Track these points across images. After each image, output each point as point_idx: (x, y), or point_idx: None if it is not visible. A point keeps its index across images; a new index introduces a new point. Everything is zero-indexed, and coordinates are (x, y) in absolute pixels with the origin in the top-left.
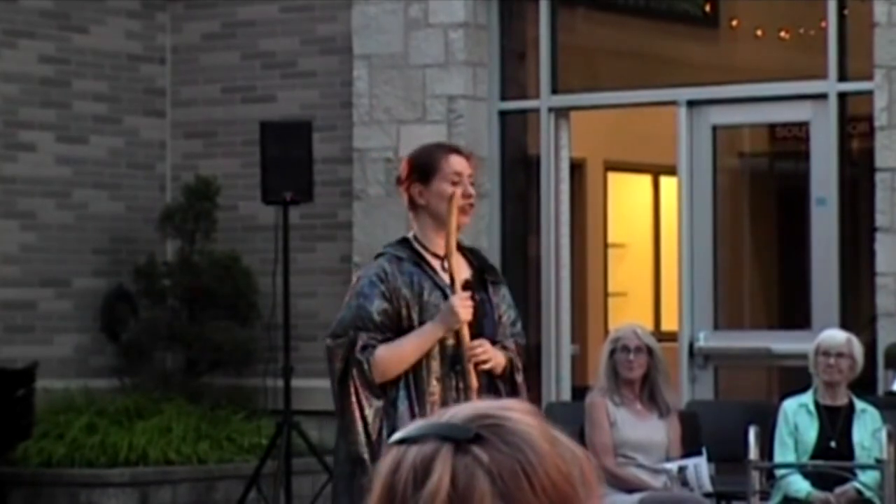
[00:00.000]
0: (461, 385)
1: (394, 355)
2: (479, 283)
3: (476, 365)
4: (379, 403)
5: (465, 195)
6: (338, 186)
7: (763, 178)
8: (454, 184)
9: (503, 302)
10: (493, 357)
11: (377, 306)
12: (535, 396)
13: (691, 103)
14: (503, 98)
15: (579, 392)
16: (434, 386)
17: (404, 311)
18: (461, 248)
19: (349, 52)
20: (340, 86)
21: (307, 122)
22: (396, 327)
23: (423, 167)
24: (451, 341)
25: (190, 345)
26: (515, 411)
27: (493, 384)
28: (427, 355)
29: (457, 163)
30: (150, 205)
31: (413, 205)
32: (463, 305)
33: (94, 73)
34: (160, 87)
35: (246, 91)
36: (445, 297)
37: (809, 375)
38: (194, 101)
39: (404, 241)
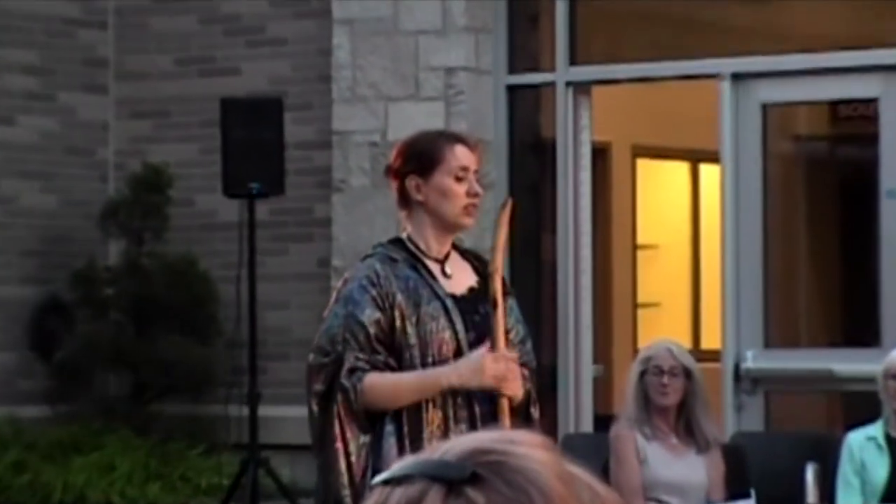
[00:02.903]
0: (467, 414)
1: (386, 390)
2: (485, 293)
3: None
4: (366, 439)
5: (471, 193)
6: (314, 176)
7: (822, 165)
8: (458, 180)
9: (510, 315)
10: (517, 389)
11: (369, 315)
12: (549, 427)
13: (737, 77)
14: (511, 71)
15: (603, 422)
16: (433, 414)
17: (398, 323)
18: (463, 251)
19: (328, 16)
20: (317, 55)
21: (277, 100)
22: (390, 341)
23: (424, 157)
24: (449, 362)
25: (137, 365)
26: (523, 445)
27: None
28: None
29: (463, 155)
30: (89, 198)
31: (405, 200)
32: (494, 368)
33: (22, 39)
34: (101, 56)
35: (204, 62)
36: (445, 308)
37: (878, 402)
38: (142, 73)
39: (398, 242)
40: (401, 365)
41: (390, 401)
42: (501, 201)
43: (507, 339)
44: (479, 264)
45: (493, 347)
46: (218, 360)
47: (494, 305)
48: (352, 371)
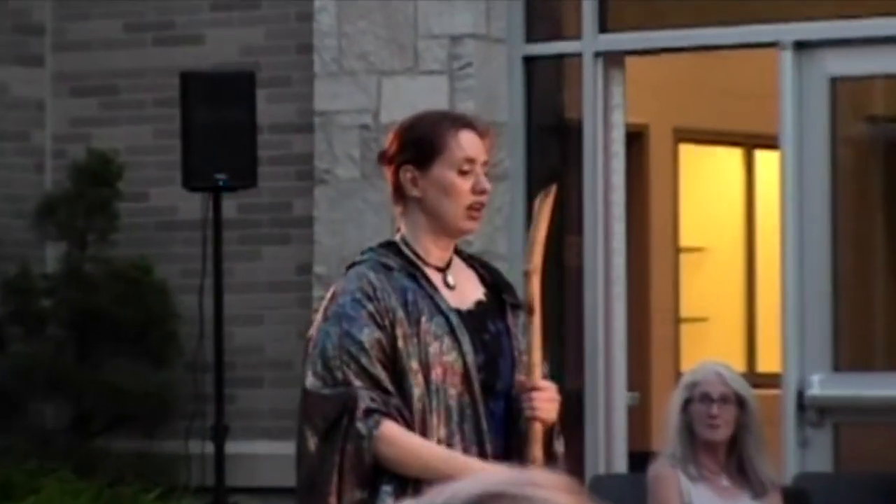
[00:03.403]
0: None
1: (406, 451)
2: (496, 308)
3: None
4: (363, 495)
5: (477, 190)
6: (293, 165)
7: None
8: (463, 173)
9: (522, 333)
10: (549, 412)
11: (369, 335)
12: (574, 466)
13: (800, 46)
14: (529, 39)
15: (639, 460)
16: None
17: (401, 343)
18: (468, 257)
19: None
20: (296, 21)
21: (248, 74)
22: (392, 367)
23: (422, 144)
24: (454, 389)
25: (79, 393)
26: (542, 488)
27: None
28: (424, 409)
29: (469, 144)
30: (22, 192)
31: (400, 195)
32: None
33: None
34: (37, 22)
35: (160, 28)
36: (450, 325)
37: None
38: (85, 42)
39: (391, 246)
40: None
41: (403, 463)
42: (543, 190)
43: (519, 360)
44: (487, 273)
45: (529, 364)
46: (177, 387)
47: (530, 312)
48: (367, 413)
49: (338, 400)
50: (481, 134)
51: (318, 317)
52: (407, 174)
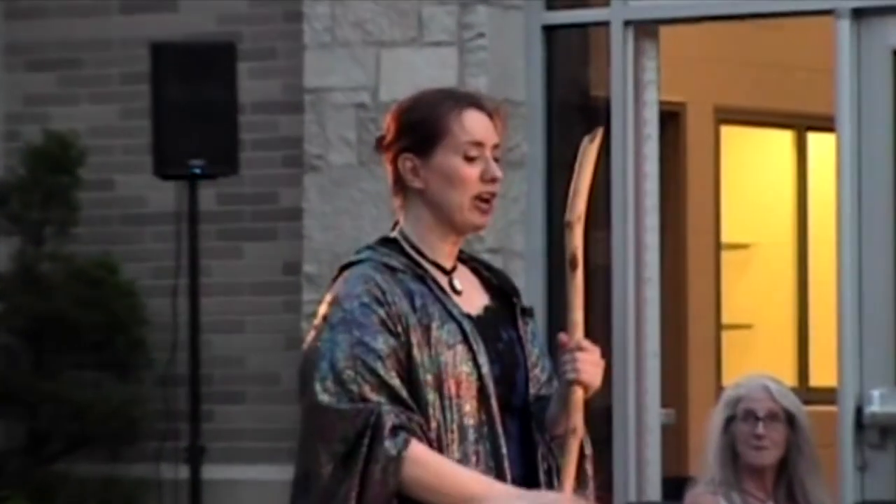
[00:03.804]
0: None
1: (438, 474)
2: (506, 314)
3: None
4: None
5: (486, 178)
6: (279, 150)
7: None
8: (469, 159)
9: (532, 342)
10: (594, 376)
11: (384, 344)
12: (602, 493)
13: (859, 13)
14: (549, 6)
15: (675, 487)
16: None
17: (416, 352)
18: (468, 258)
19: None
20: None
21: (228, 45)
22: (408, 376)
23: (421, 128)
24: (469, 405)
25: (35, 409)
26: None
27: (533, 476)
28: (439, 427)
29: (477, 125)
30: None
31: (401, 186)
32: None
33: None
34: None
35: None
36: (463, 332)
37: None
38: (41, 9)
39: (391, 244)
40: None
41: (435, 488)
42: (589, 135)
43: (533, 372)
44: (491, 275)
45: (570, 323)
46: (146, 402)
47: (573, 267)
48: (394, 431)
49: (359, 417)
50: (491, 114)
51: (318, 326)
52: (407, 163)
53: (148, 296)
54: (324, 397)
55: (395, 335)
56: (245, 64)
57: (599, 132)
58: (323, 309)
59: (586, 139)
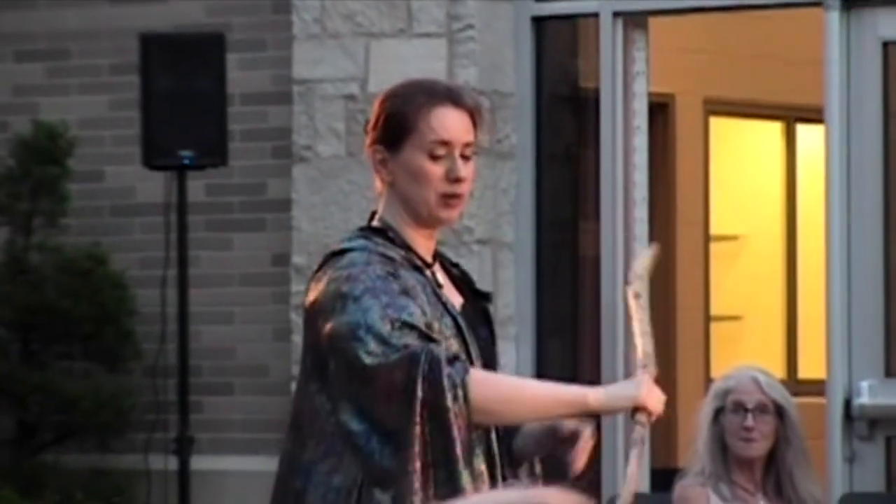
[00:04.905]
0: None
1: (506, 386)
2: (479, 312)
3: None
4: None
5: (451, 178)
6: (268, 141)
7: None
8: (435, 158)
9: (493, 342)
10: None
11: (413, 306)
12: (591, 485)
13: (848, 4)
14: None
15: (663, 479)
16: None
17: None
18: (438, 256)
19: None
20: None
21: (218, 36)
22: None
23: (392, 122)
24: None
25: (23, 400)
26: None
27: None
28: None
29: (446, 123)
30: None
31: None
32: (651, 392)
33: None
34: None
35: None
36: (458, 326)
37: None
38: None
39: (378, 233)
40: None
41: (510, 399)
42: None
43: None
44: (459, 273)
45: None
46: (135, 393)
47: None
48: (451, 362)
49: (413, 361)
50: (468, 109)
51: (335, 305)
52: (377, 155)
53: (137, 286)
54: (372, 360)
55: (419, 307)
56: (234, 55)
57: (655, 249)
58: (333, 288)
59: (648, 256)
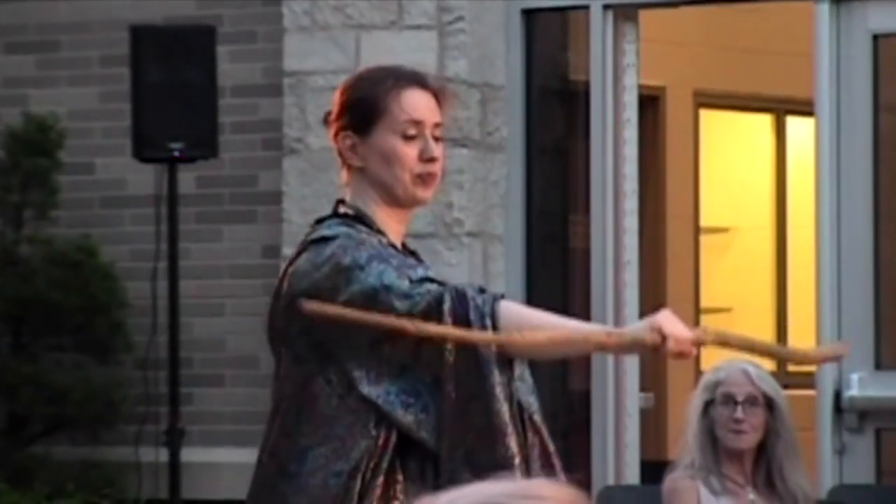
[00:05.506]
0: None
1: (532, 314)
2: None
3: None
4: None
5: (424, 158)
6: (259, 133)
7: None
8: (408, 138)
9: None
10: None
11: (420, 267)
12: (581, 477)
13: None
14: None
15: (653, 471)
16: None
17: None
18: (406, 249)
19: None
20: None
21: (208, 28)
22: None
23: (361, 107)
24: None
25: (14, 392)
26: (545, 500)
27: None
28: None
29: (416, 104)
30: None
31: (344, 163)
32: (673, 321)
33: None
34: None
35: None
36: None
37: None
38: None
39: (353, 219)
40: None
41: (540, 325)
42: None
43: None
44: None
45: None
46: (126, 385)
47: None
48: (479, 292)
49: (441, 300)
50: (434, 91)
51: (340, 278)
52: (346, 141)
53: (127, 279)
54: (402, 309)
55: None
56: (225, 47)
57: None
58: (328, 269)
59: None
